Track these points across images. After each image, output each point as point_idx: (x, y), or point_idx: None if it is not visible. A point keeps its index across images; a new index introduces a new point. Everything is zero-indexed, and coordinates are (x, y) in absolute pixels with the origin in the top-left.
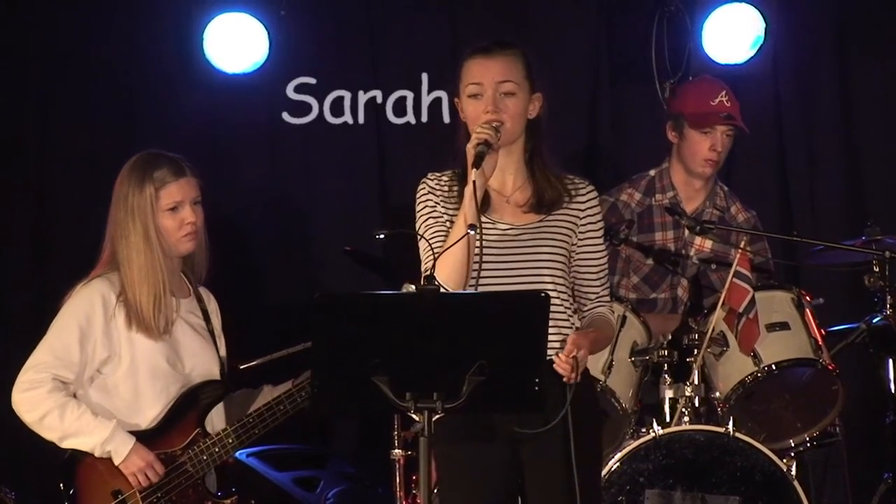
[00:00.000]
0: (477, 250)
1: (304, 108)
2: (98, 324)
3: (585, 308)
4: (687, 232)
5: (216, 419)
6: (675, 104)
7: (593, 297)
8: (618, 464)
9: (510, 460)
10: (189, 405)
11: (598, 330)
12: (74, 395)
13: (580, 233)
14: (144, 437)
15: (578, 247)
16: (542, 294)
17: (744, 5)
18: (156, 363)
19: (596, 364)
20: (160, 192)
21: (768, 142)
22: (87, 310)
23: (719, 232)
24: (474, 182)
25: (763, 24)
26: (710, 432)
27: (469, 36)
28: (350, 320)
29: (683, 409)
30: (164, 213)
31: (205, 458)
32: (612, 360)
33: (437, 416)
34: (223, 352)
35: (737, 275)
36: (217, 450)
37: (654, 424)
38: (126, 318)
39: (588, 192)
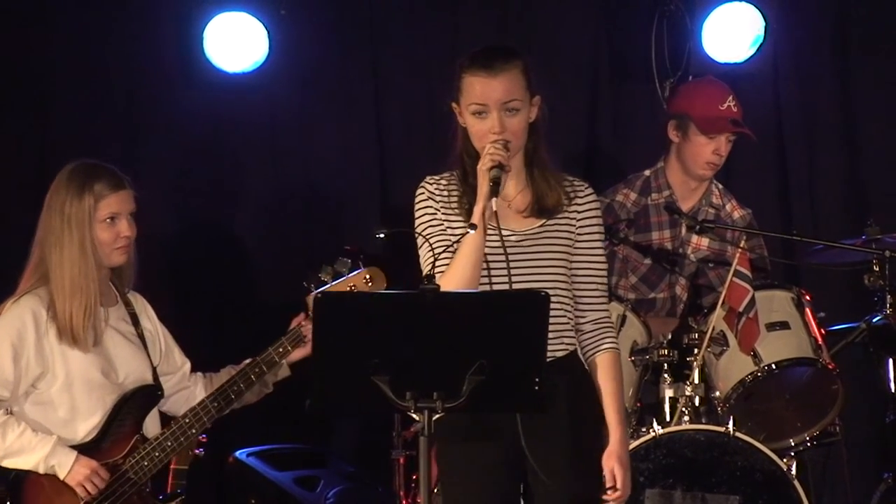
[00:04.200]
0: (484, 255)
1: (304, 108)
2: (30, 341)
3: (584, 319)
4: (684, 231)
5: (150, 425)
6: (680, 104)
7: (588, 301)
8: None
9: (512, 457)
10: (126, 413)
11: (617, 416)
12: (11, 412)
13: (577, 236)
14: (85, 450)
15: (575, 250)
16: (542, 293)
17: (743, 4)
18: (90, 376)
19: None
20: (99, 203)
21: (768, 141)
22: (18, 327)
23: (717, 230)
24: (492, 210)
25: (763, 23)
26: (710, 432)
27: (470, 35)
28: (350, 319)
29: (683, 409)
30: (101, 225)
31: (146, 463)
32: None
33: (438, 416)
34: (159, 352)
35: (736, 274)
36: (157, 454)
37: (654, 424)
38: (57, 333)
39: (586, 196)
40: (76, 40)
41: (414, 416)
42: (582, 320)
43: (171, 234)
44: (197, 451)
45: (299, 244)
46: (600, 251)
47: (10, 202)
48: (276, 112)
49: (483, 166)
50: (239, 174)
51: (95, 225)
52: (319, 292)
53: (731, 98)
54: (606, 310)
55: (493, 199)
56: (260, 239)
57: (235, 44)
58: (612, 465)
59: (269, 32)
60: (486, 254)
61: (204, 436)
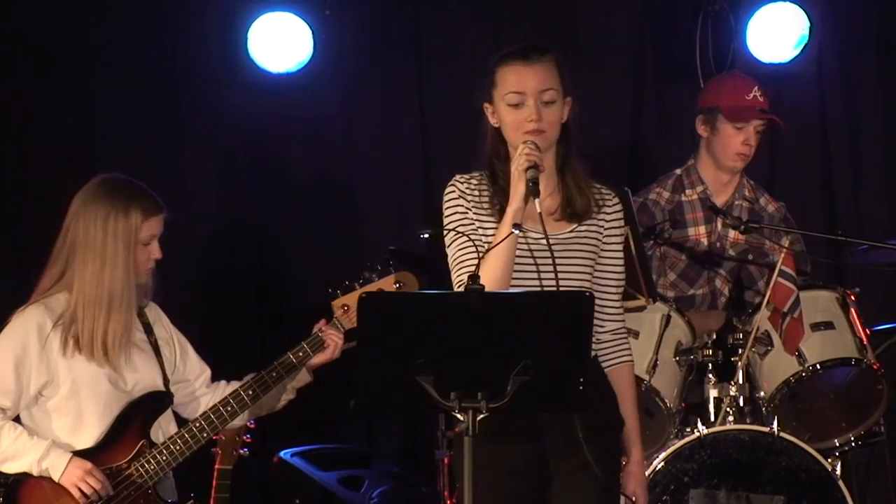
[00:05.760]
0: (514, 255)
1: (348, 108)
2: (33, 351)
3: (602, 329)
4: (720, 225)
5: (166, 428)
6: (707, 98)
7: (609, 311)
8: (662, 463)
9: (534, 460)
10: (131, 419)
11: (636, 434)
12: (19, 419)
13: (603, 244)
14: (88, 455)
15: (599, 259)
16: (587, 294)
17: (788, 4)
18: (97, 383)
19: (640, 363)
20: (143, 224)
21: (813, 141)
22: (22, 338)
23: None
24: (538, 211)
25: (807, 23)
26: (754, 432)
27: (514, 35)
28: (394, 320)
29: (728, 409)
30: (139, 245)
31: (151, 467)
32: (656, 360)
33: (482, 416)
34: (174, 359)
35: (781, 274)
36: (165, 457)
37: (699, 424)
38: (62, 343)
39: (613, 205)
40: (120, 40)
41: (458, 416)
42: (600, 329)
43: (213, 235)
44: (241, 452)
45: (343, 245)
46: (621, 263)
47: (56, 202)
48: (320, 112)
49: (519, 167)
50: (283, 175)
51: (137, 244)
52: (364, 293)
53: (756, 88)
54: (623, 321)
55: (537, 200)
56: (303, 240)
57: (280, 44)
58: (635, 487)
59: (313, 33)
60: (521, 255)
61: (249, 436)
